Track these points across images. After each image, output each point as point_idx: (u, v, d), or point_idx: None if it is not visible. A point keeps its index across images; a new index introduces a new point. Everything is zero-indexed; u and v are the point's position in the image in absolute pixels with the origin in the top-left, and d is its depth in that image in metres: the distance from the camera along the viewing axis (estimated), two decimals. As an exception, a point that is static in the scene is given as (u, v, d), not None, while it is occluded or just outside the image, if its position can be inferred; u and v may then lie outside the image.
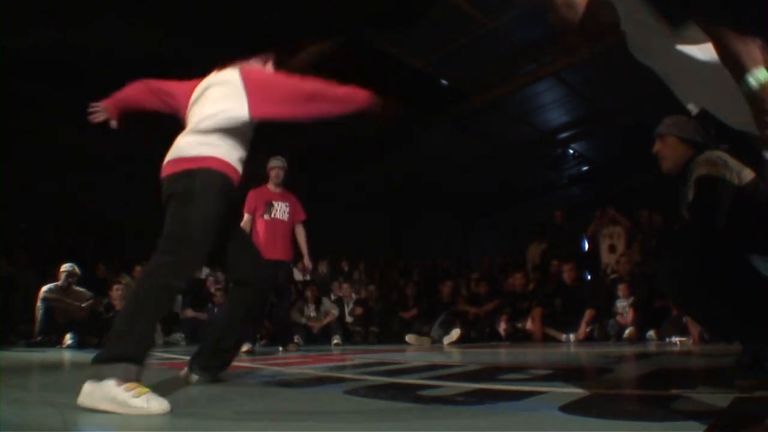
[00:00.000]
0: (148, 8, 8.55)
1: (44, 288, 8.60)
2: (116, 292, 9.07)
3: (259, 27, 9.39)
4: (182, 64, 10.09)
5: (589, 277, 10.83)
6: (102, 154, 10.87)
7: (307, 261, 7.79)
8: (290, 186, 7.63)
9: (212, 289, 10.66)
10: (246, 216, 6.98)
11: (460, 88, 11.93)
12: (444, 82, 11.82)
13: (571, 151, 15.77)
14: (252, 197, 7.11)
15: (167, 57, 9.91)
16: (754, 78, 1.48)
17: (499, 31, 9.93)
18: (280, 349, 7.32)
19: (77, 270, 8.88)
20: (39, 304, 8.47)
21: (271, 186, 7.31)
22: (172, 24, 8.99)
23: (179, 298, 8.03)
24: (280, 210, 7.22)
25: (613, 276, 9.69)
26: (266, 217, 7.06)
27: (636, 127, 10.42)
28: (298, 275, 12.15)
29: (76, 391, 2.31)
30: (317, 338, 9.57)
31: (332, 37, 9.74)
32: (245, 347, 6.79)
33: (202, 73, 3.61)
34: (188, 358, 3.49)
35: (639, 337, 8.21)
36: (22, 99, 9.98)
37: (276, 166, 7.41)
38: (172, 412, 2.25)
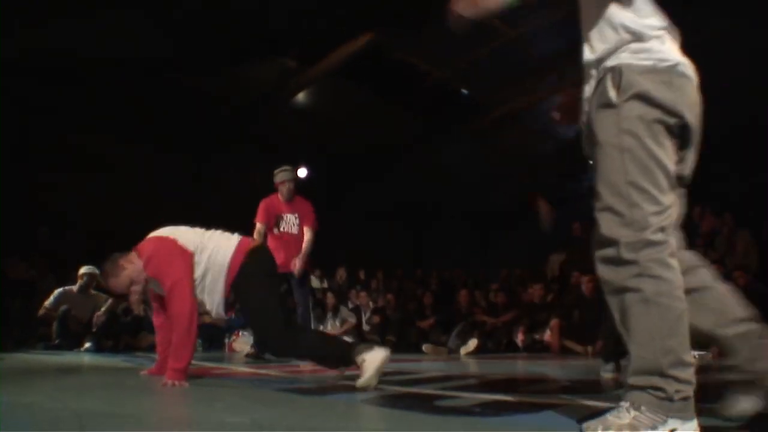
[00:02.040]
0: (176, 13, 8.63)
1: (61, 291, 8.66)
2: (134, 296, 9.10)
3: (282, 31, 9.47)
4: (195, 67, 10.30)
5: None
6: (120, 159, 11.00)
7: (299, 262, 7.03)
8: (311, 194, 7.54)
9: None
10: (258, 226, 6.84)
11: (481, 100, 11.92)
12: (465, 92, 11.81)
13: (591, 162, 15.69)
14: (263, 209, 6.96)
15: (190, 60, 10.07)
16: None
17: (520, 42, 9.92)
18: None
19: (97, 272, 8.92)
20: (51, 303, 8.54)
21: (281, 198, 7.11)
22: (193, 28, 9.07)
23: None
24: (289, 223, 7.07)
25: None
26: (275, 231, 6.96)
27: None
28: (316, 283, 12.18)
29: (93, 394, 2.31)
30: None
31: (356, 42, 9.75)
32: (251, 349, 6.79)
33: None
34: (206, 364, 3.50)
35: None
36: (42, 105, 10.11)
37: (285, 179, 7.13)
38: (189, 419, 2.25)
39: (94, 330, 8.43)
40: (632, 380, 1.86)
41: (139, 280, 3.84)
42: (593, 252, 2.00)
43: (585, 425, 1.88)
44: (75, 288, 8.75)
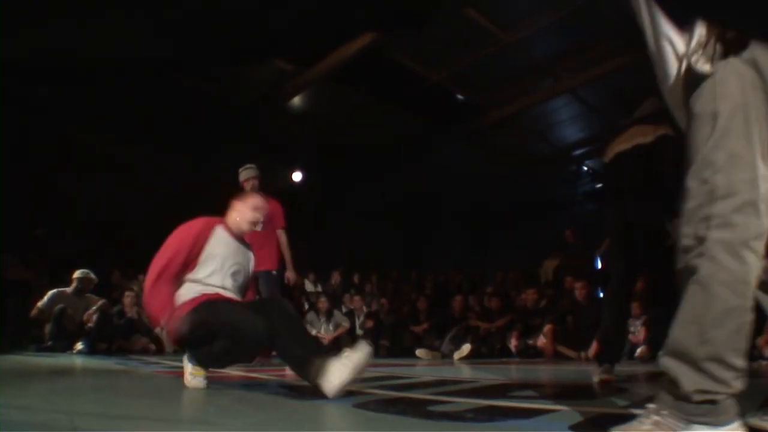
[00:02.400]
0: (170, 13, 8.63)
1: (55, 292, 8.64)
2: (127, 299, 9.10)
3: (278, 33, 9.46)
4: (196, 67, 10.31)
5: (602, 295, 10.75)
6: (120, 160, 10.99)
7: (290, 272, 7.22)
8: (307, 196, 7.49)
9: None
10: None
11: (477, 103, 11.94)
12: (460, 96, 11.84)
13: (586, 168, 15.75)
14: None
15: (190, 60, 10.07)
16: None
17: (516, 45, 9.95)
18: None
19: (92, 276, 8.91)
20: (45, 304, 8.52)
21: None
22: (189, 28, 9.07)
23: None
24: None
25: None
26: None
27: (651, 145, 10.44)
28: (310, 286, 12.17)
29: (86, 396, 2.31)
30: (328, 350, 9.56)
31: (354, 44, 9.75)
32: None
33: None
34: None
35: (651, 356, 8.14)
36: (40, 104, 10.10)
37: (250, 176, 7.05)
38: (182, 422, 2.25)
39: (87, 331, 8.42)
40: (662, 361, 1.74)
41: None
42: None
43: (612, 430, 1.75)
44: (69, 290, 8.74)
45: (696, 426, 1.62)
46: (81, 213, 10.85)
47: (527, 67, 10.69)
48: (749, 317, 1.66)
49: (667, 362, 1.72)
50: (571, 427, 2.14)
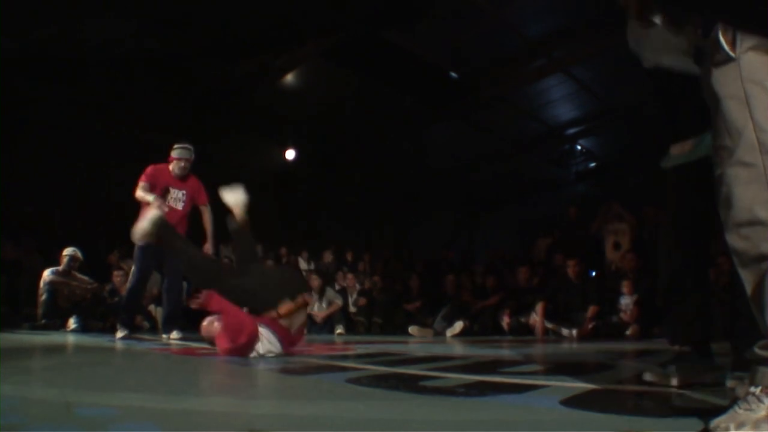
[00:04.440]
0: (149, 7, 8.61)
1: (47, 271, 8.62)
2: (117, 278, 9.10)
3: (265, 20, 9.42)
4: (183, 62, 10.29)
5: (593, 274, 10.82)
6: (112, 138, 10.93)
7: (208, 246, 7.11)
8: (299, 176, 7.47)
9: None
10: (142, 184, 6.59)
11: (470, 82, 11.90)
12: (454, 75, 11.79)
13: (579, 147, 15.74)
14: (151, 173, 6.72)
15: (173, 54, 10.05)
16: None
17: (510, 25, 9.90)
18: (164, 336, 6.82)
19: (79, 255, 8.88)
20: (42, 287, 8.50)
21: (173, 171, 6.88)
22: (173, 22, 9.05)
23: (184, 285, 7.91)
24: (176, 198, 6.84)
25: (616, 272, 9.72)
26: None
27: (644, 124, 10.44)
28: (303, 264, 12.17)
29: (80, 372, 2.32)
30: (321, 327, 9.60)
31: (341, 30, 9.72)
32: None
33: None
34: (192, 344, 3.50)
35: (642, 335, 8.21)
36: (28, 87, 10.05)
37: (181, 157, 6.92)
38: (174, 397, 2.26)
39: (79, 309, 8.43)
40: (761, 353, 1.60)
41: None
42: (723, 220, 1.72)
43: (714, 423, 1.55)
44: (59, 269, 8.73)
45: None
46: (68, 191, 10.79)
47: (520, 45, 10.64)
48: None
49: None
50: (561, 402, 2.16)
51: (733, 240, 1.67)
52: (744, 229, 1.63)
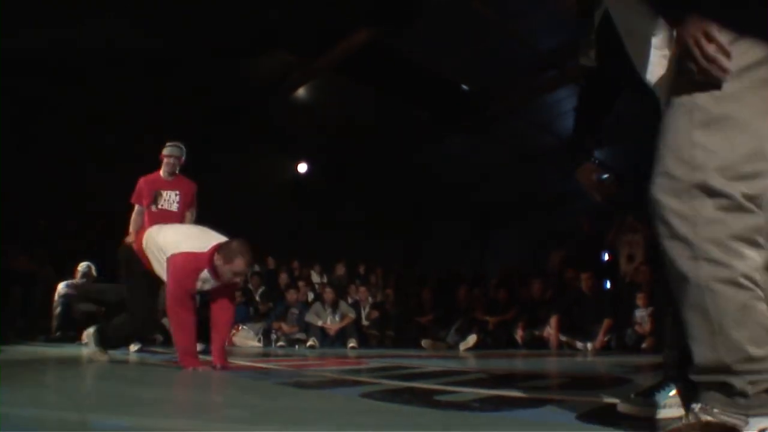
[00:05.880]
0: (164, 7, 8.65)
1: (62, 284, 8.66)
2: None
3: (280, 24, 9.46)
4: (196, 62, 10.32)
5: (608, 286, 10.75)
6: (126, 152, 10.99)
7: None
8: (311, 189, 7.46)
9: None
10: (136, 208, 6.63)
11: (482, 94, 11.90)
12: (465, 87, 11.79)
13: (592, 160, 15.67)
14: (140, 187, 6.67)
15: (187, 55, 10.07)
16: None
17: (521, 36, 9.90)
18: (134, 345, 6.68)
19: (93, 269, 8.94)
20: (57, 300, 8.54)
21: (163, 174, 6.74)
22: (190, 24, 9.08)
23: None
24: (168, 200, 6.68)
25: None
26: (153, 208, 6.55)
27: (657, 135, 10.39)
28: (315, 277, 12.16)
29: (94, 385, 2.32)
30: (333, 341, 9.58)
31: (357, 36, 9.74)
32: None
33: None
34: (206, 357, 3.49)
35: (658, 348, 8.14)
36: (40, 97, 10.11)
37: (171, 154, 6.79)
38: (185, 413, 2.26)
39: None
40: (695, 378, 1.63)
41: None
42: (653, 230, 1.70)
43: None
44: (75, 282, 8.77)
45: (756, 420, 1.52)
46: (86, 205, 10.84)
47: (532, 57, 10.63)
48: (763, 306, 1.55)
49: (702, 379, 1.61)
50: (578, 417, 2.14)
51: (661, 250, 1.70)
52: (665, 241, 1.66)
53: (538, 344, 9.41)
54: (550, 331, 9.30)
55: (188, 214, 6.90)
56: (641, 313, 8.78)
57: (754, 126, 1.56)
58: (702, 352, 1.59)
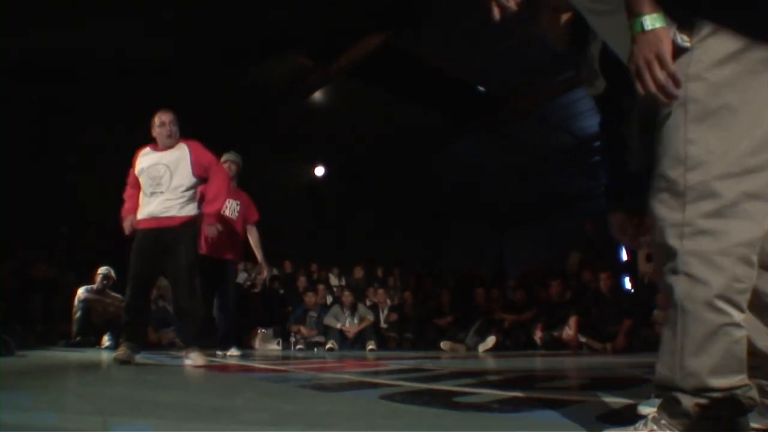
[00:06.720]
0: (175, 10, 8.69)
1: (81, 289, 8.72)
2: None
3: (294, 28, 9.48)
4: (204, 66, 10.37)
5: (627, 286, 10.68)
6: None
7: (261, 265, 7.44)
8: (328, 192, 7.51)
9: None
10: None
11: (498, 95, 11.87)
12: (481, 88, 11.78)
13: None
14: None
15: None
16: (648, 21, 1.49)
17: (536, 37, 9.86)
18: (219, 353, 6.69)
19: (113, 273, 8.99)
20: (76, 305, 8.60)
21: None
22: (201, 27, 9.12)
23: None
24: (230, 207, 6.84)
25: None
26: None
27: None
28: (334, 280, 12.18)
29: (114, 389, 2.33)
30: (352, 343, 9.59)
31: (372, 39, 9.75)
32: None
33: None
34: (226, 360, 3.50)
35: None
36: (60, 104, 10.19)
37: (229, 159, 6.98)
38: (206, 417, 2.27)
39: (112, 328, 8.49)
40: (655, 385, 1.62)
41: None
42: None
43: None
44: (93, 287, 8.82)
45: None
46: (100, 210, 10.94)
47: (548, 57, 10.59)
48: (739, 334, 1.47)
49: (659, 390, 1.61)
50: (598, 419, 2.13)
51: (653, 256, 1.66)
52: (656, 248, 1.60)
53: (557, 345, 9.36)
54: (569, 332, 9.24)
55: (252, 231, 7.22)
56: (662, 313, 8.72)
57: (757, 114, 1.47)
58: (660, 367, 1.57)
